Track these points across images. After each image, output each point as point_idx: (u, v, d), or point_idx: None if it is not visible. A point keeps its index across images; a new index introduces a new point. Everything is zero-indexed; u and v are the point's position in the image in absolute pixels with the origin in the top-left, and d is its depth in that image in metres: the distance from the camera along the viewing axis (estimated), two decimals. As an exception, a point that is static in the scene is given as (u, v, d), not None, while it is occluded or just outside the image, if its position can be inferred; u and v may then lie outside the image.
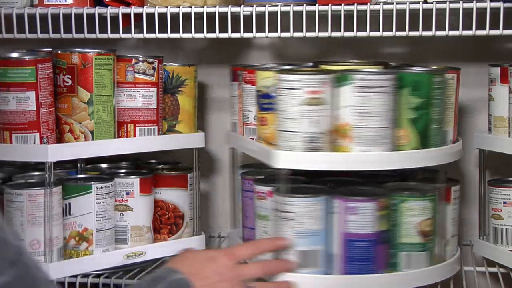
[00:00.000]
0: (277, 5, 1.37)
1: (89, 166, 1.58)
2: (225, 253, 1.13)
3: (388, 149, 1.27)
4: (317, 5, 1.36)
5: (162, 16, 1.41)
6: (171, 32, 1.41)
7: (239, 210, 1.51)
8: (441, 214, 1.36)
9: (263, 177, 1.44)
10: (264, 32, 1.38)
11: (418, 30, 1.34)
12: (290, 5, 1.37)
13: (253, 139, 1.42)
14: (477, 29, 1.33)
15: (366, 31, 1.36)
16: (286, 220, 1.30)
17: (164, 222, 1.53)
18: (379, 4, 1.34)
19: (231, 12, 1.39)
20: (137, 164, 1.62)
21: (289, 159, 1.27)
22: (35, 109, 1.36)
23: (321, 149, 1.26)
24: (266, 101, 1.34)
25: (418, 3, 1.34)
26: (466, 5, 1.33)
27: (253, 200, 1.41)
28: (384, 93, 1.25)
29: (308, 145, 1.26)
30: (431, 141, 1.30)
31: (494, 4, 1.32)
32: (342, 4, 1.34)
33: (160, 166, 1.59)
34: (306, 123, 1.25)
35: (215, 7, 1.39)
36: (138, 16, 1.42)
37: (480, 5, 1.32)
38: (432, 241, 1.33)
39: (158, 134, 1.49)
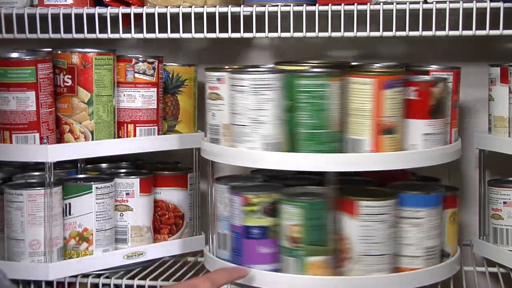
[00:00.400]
0: (277, 5, 1.37)
1: (89, 166, 1.58)
2: (204, 279, 1.18)
3: (255, 146, 1.30)
4: (317, 5, 1.36)
5: (162, 16, 1.41)
6: (171, 32, 1.41)
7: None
8: (328, 224, 1.29)
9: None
10: (264, 32, 1.38)
11: (418, 30, 1.34)
12: (290, 5, 1.37)
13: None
14: (477, 29, 1.33)
15: (366, 31, 1.36)
16: (217, 203, 1.41)
17: (164, 222, 1.53)
18: (379, 4, 1.34)
19: (231, 12, 1.39)
20: (137, 164, 1.62)
21: (202, 148, 1.41)
22: (35, 109, 1.36)
23: (219, 141, 1.36)
24: None
25: (418, 3, 1.34)
26: (466, 5, 1.33)
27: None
28: (243, 92, 1.29)
29: (210, 136, 1.38)
30: (300, 146, 1.27)
31: (494, 4, 1.32)
32: (342, 4, 1.34)
33: (160, 166, 1.59)
34: (209, 116, 1.38)
35: (215, 7, 1.39)
36: (138, 16, 1.42)
37: (480, 5, 1.32)
38: (302, 249, 1.29)
39: (158, 134, 1.49)
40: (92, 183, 1.43)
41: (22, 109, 1.36)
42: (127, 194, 1.48)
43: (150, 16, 1.41)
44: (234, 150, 1.32)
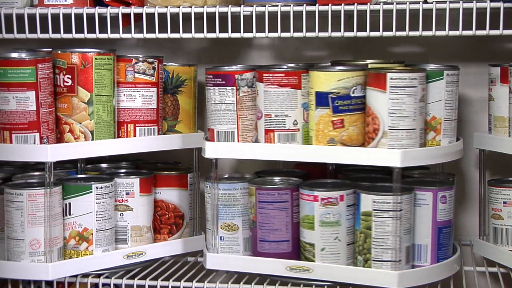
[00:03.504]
0: (277, 5, 1.37)
1: (89, 166, 1.58)
2: None
3: None
4: (317, 5, 1.36)
5: (162, 16, 1.41)
6: (171, 32, 1.41)
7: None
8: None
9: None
10: (264, 32, 1.38)
11: (418, 30, 1.34)
12: (290, 5, 1.37)
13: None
14: (477, 29, 1.33)
15: (366, 31, 1.36)
16: None
17: (164, 222, 1.53)
18: (379, 4, 1.34)
19: (231, 12, 1.39)
20: (137, 164, 1.62)
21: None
22: (35, 109, 1.36)
23: None
24: (345, 103, 1.34)
25: (418, 3, 1.34)
26: (466, 5, 1.33)
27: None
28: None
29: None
30: None
31: (494, 4, 1.32)
32: (342, 4, 1.34)
33: (160, 166, 1.59)
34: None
35: (215, 7, 1.39)
36: (138, 16, 1.42)
37: (480, 5, 1.32)
38: None
39: (158, 134, 1.49)
40: (92, 183, 1.43)
41: (22, 109, 1.36)
42: (127, 194, 1.48)
43: (150, 16, 1.41)
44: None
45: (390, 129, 1.30)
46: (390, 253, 1.32)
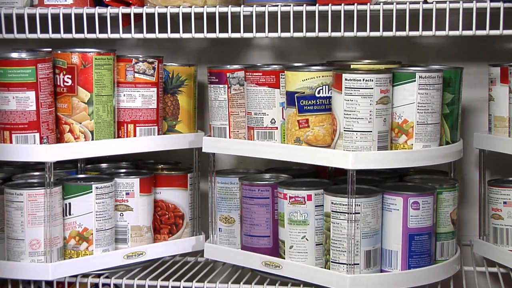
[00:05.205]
0: (277, 5, 1.37)
1: (89, 166, 1.58)
2: None
3: None
4: (317, 5, 1.36)
5: (162, 16, 1.41)
6: (171, 32, 1.41)
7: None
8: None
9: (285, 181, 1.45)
10: (264, 32, 1.38)
11: (418, 30, 1.34)
12: (290, 5, 1.37)
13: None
14: (477, 29, 1.33)
15: (366, 31, 1.36)
16: None
17: (164, 222, 1.53)
18: (379, 4, 1.34)
19: (231, 12, 1.39)
20: (137, 164, 1.62)
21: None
22: (35, 109, 1.36)
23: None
24: (310, 103, 1.34)
25: (418, 3, 1.34)
26: (466, 5, 1.33)
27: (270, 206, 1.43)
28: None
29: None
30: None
31: (494, 4, 1.32)
32: (342, 4, 1.34)
33: (160, 166, 1.59)
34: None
35: (215, 7, 1.39)
36: (138, 16, 1.42)
37: (480, 5, 1.32)
38: None
39: (158, 134, 1.49)
40: (92, 183, 1.43)
41: (22, 109, 1.36)
42: (127, 194, 1.48)
43: (150, 16, 1.41)
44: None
45: (345, 131, 1.28)
46: (346, 256, 1.31)
